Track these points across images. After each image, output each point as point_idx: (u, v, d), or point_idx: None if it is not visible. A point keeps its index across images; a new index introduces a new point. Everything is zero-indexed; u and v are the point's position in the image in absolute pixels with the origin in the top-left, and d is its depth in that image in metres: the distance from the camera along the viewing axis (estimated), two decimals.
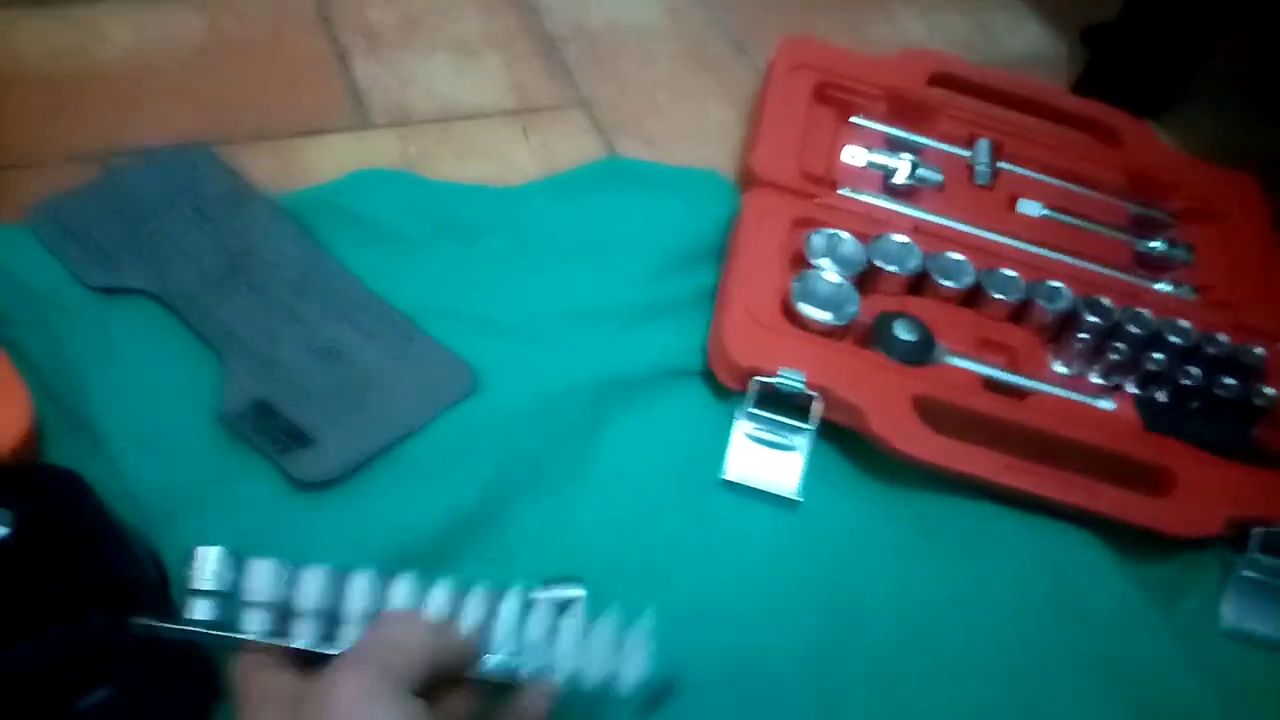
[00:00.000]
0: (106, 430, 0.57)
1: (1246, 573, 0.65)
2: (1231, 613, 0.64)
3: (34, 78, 0.75)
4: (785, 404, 0.65)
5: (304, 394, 0.59)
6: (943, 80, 0.87)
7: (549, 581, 0.56)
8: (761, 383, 0.64)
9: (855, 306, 0.69)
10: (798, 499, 0.63)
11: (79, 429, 0.57)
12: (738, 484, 0.63)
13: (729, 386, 0.66)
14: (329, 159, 0.75)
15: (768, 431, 0.65)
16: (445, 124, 0.80)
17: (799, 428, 0.64)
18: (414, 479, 0.58)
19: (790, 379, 0.64)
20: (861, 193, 0.78)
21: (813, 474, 0.64)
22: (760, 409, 0.65)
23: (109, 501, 0.52)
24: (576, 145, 0.81)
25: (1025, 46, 1.05)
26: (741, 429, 0.65)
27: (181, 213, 0.67)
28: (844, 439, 0.66)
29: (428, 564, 0.56)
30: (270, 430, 0.57)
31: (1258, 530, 0.65)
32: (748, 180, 0.77)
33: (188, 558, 0.48)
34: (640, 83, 0.88)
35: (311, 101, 0.79)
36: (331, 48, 0.83)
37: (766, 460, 0.64)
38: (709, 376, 0.67)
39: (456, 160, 0.77)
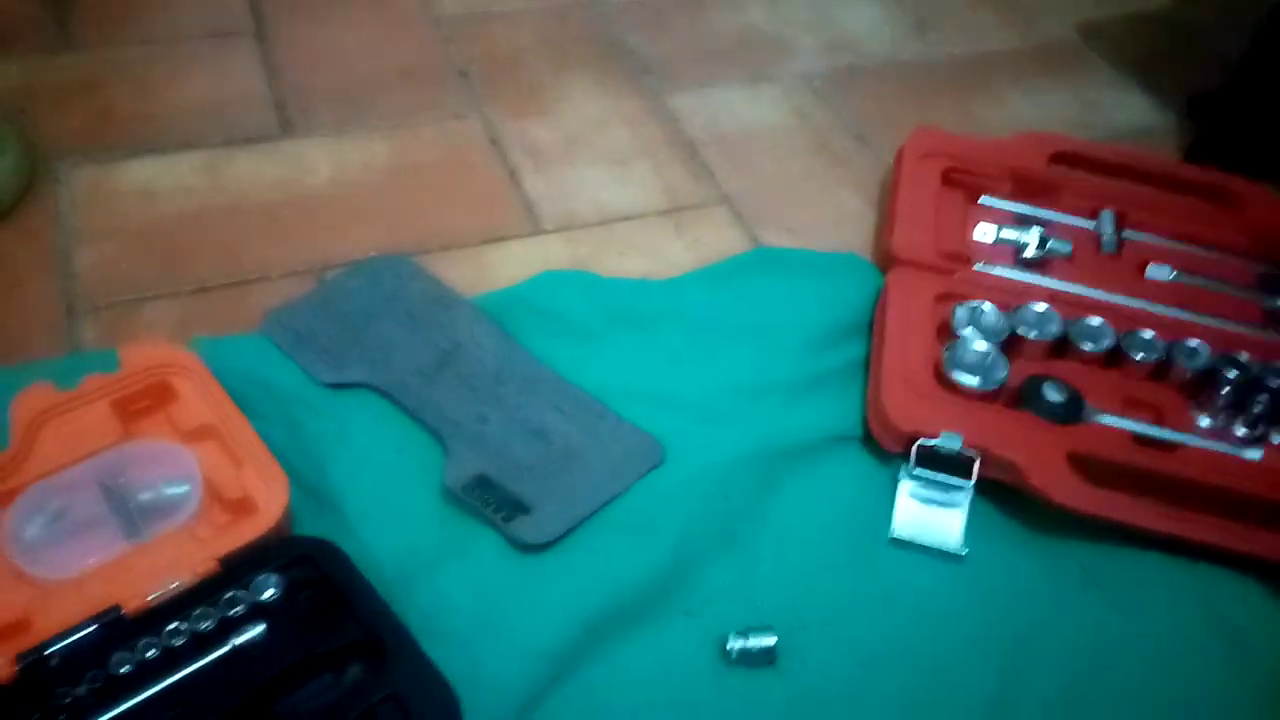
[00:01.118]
0: (346, 506, 0.66)
1: None
2: None
3: (255, 205, 0.87)
4: (945, 464, 0.70)
5: (517, 468, 0.67)
6: (1062, 158, 0.93)
7: (745, 630, 0.62)
8: (922, 445, 0.70)
9: (1004, 371, 0.74)
10: (962, 553, 0.68)
11: (322, 506, 0.66)
12: (905, 540, 0.68)
13: (890, 450, 0.71)
14: (511, 263, 0.84)
15: (930, 490, 0.70)
16: (606, 226, 0.89)
17: (960, 486, 0.69)
18: (616, 541, 0.65)
19: (949, 441, 0.69)
20: (995, 266, 0.83)
21: (975, 529, 0.69)
22: (922, 469, 0.70)
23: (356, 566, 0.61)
24: (723, 237, 0.89)
25: (1132, 120, 1.10)
26: (905, 489, 0.70)
27: (392, 315, 0.77)
28: (1003, 495, 0.71)
29: (634, 616, 0.62)
30: (492, 500, 0.64)
31: None
32: (888, 260, 0.83)
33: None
34: (775, 178, 0.96)
35: (490, 214, 0.89)
36: (503, 166, 0.93)
37: (931, 517, 0.69)
38: (869, 442, 0.73)
39: (619, 257, 0.86)
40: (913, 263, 0.82)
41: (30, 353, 0.74)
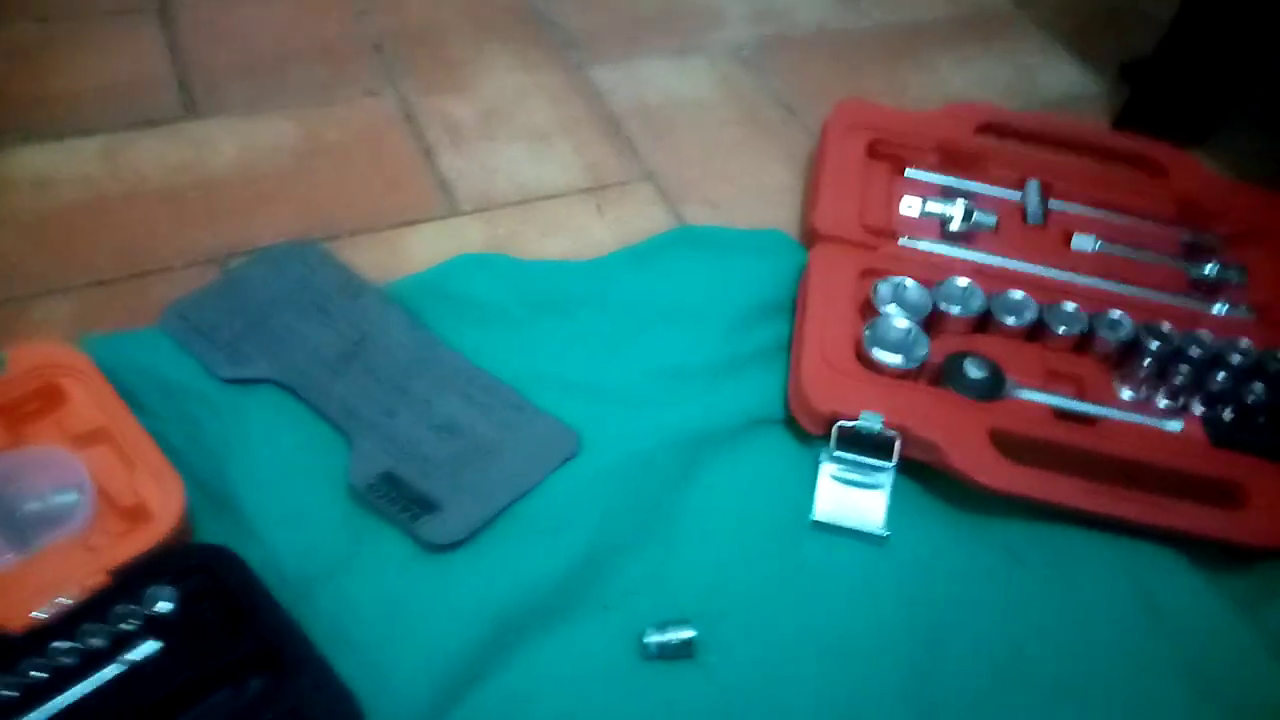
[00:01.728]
0: (247, 508, 0.63)
1: None
2: None
3: (156, 192, 0.83)
4: (866, 445, 0.69)
5: (426, 464, 0.64)
6: (989, 129, 0.91)
7: (663, 624, 0.61)
8: (842, 426, 0.68)
9: (925, 349, 0.73)
10: (885, 534, 0.67)
11: (222, 509, 0.63)
12: (827, 523, 0.67)
13: (811, 431, 0.70)
14: (425, 246, 0.81)
15: (851, 472, 0.69)
16: (526, 206, 0.86)
17: (881, 466, 0.68)
18: (530, 537, 0.63)
19: (869, 421, 0.68)
20: (920, 241, 0.82)
21: (898, 510, 0.68)
22: (843, 451, 0.69)
23: (256, 573, 0.58)
24: (647, 216, 0.87)
25: (1065, 87, 1.09)
26: (827, 471, 0.69)
27: (299, 306, 0.74)
28: (925, 475, 0.70)
29: (549, 614, 0.61)
30: (398, 499, 0.62)
31: None
32: (812, 236, 0.81)
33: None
34: (700, 152, 0.94)
35: (404, 195, 0.86)
36: (418, 145, 0.90)
37: (852, 499, 0.68)
38: (791, 424, 0.72)
39: (539, 238, 0.83)
40: (836, 238, 0.80)
41: None
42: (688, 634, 0.60)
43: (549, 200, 0.87)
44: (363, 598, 0.60)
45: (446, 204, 0.86)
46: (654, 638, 0.60)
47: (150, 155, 0.86)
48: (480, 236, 0.83)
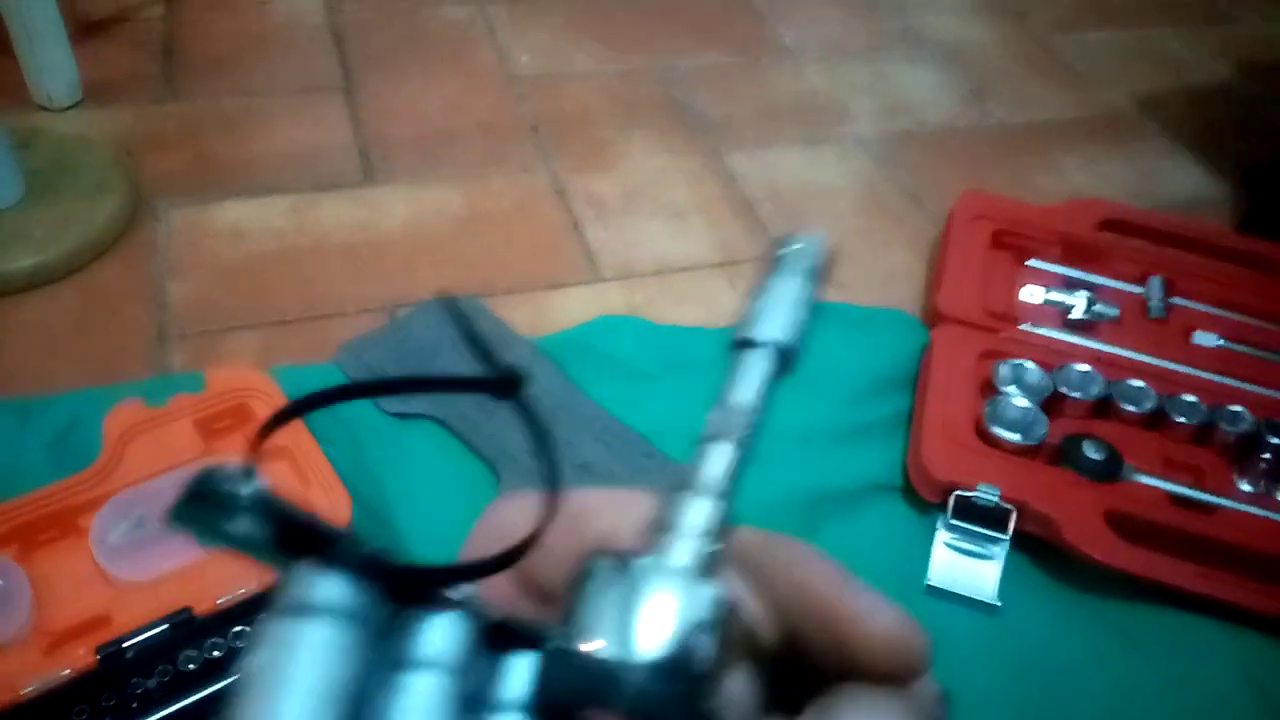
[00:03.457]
0: (402, 527, 0.70)
1: None
2: None
3: (335, 246, 0.93)
4: (982, 516, 0.71)
5: None
6: (1112, 224, 0.94)
7: None
8: (960, 496, 0.71)
9: (1044, 428, 0.75)
10: (996, 604, 0.69)
11: (380, 526, 0.70)
12: (940, 589, 0.70)
13: (929, 500, 0.73)
14: (570, 308, 0.89)
15: (966, 541, 0.71)
16: (663, 276, 0.93)
17: (996, 538, 0.71)
18: None
19: (986, 493, 0.71)
20: (1041, 327, 0.85)
21: (1010, 581, 0.70)
22: (959, 520, 0.71)
23: None
24: None
25: (1188, 191, 1.12)
26: (942, 539, 0.72)
27: (452, 353, 0.81)
28: (1039, 550, 0.72)
29: None
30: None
31: None
32: (935, 317, 0.85)
33: None
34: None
35: (552, 261, 0.94)
36: (567, 216, 0.98)
37: (966, 568, 0.71)
38: (909, 492, 0.75)
39: (674, 306, 0.90)
40: (958, 320, 0.84)
41: (123, 375, 0.80)
42: None
43: (684, 272, 0.94)
44: None
45: (591, 271, 0.93)
46: None
47: (332, 214, 0.96)
48: (620, 301, 0.90)
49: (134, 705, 0.57)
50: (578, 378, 0.80)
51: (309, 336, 0.84)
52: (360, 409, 0.77)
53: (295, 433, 0.71)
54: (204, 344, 0.83)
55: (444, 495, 0.72)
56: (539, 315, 0.88)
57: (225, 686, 0.58)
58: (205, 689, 0.58)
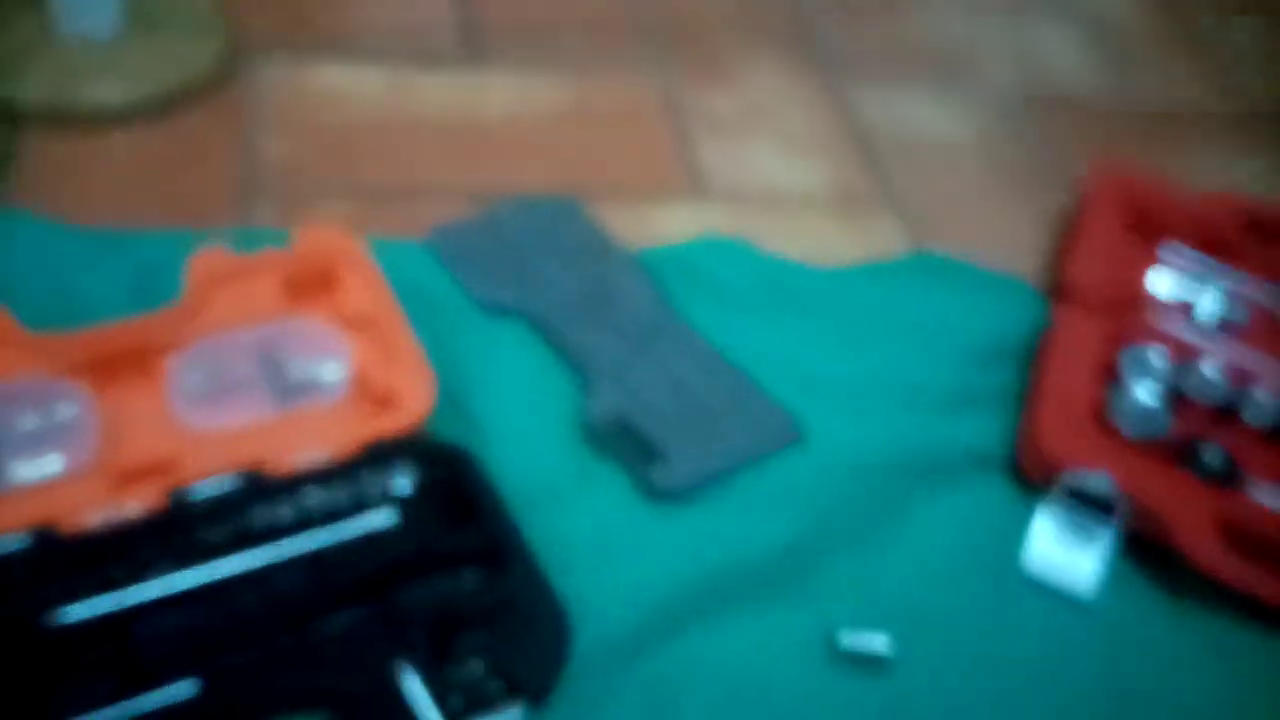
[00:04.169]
0: (481, 421, 0.66)
1: None
2: None
3: (432, 125, 0.88)
4: (1090, 505, 0.67)
5: (656, 418, 0.66)
6: (1257, 224, 0.88)
7: (859, 629, 0.60)
8: (1070, 480, 0.67)
9: (1164, 425, 0.70)
10: (1092, 598, 0.65)
11: (459, 416, 0.66)
12: (1035, 575, 0.66)
13: (1035, 480, 0.69)
14: (669, 223, 0.84)
15: (1070, 529, 0.67)
16: (770, 205, 0.88)
17: (1101, 529, 0.67)
18: (745, 511, 0.64)
19: (1098, 482, 0.66)
20: (1168, 319, 0.80)
21: (1110, 578, 0.66)
22: (1066, 505, 0.67)
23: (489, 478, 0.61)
24: (887, 238, 0.87)
25: None
26: (1044, 523, 0.67)
27: (551, 251, 0.77)
28: (1143, 551, 0.67)
29: (749, 588, 0.61)
30: (630, 443, 0.64)
31: None
32: (1060, 294, 0.80)
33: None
34: (947, 190, 0.94)
35: (656, 172, 0.89)
36: (674, 127, 0.93)
37: (1066, 556, 0.66)
38: (1012, 470, 0.70)
39: (780, 238, 0.84)
40: (1084, 300, 0.79)
41: (206, 223, 0.76)
42: (883, 644, 0.60)
43: (793, 204, 0.89)
44: (578, 528, 0.61)
45: (695, 188, 0.88)
46: (848, 639, 0.60)
47: (431, 91, 0.92)
48: (723, 224, 0.85)
49: (202, 555, 0.54)
50: (673, 296, 0.76)
51: (399, 214, 0.80)
52: (449, 293, 0.73)
53: (383, 303, 0.67)
54: (291, 205, 0.79)
55: (527, 394, 0.68)
56: (637, 227, 0.83)
57: (293, 551, 0.55)
58: (272, 548, 0.55)
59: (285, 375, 0.64)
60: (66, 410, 0.59)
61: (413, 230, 0.78)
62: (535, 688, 0.52)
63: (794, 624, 0.61)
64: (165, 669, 0.51)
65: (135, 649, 0.51)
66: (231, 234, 0.72)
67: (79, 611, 0.51)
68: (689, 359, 0.71)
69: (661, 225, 0.84)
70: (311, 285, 0.68)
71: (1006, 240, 0.90)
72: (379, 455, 0.60)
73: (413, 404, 0.62)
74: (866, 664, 0.60)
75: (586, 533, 0.61)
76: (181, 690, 0.49)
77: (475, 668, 0.52)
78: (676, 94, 0.96)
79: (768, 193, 0.89)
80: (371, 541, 0.57)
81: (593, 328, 0.72)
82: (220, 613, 0.53)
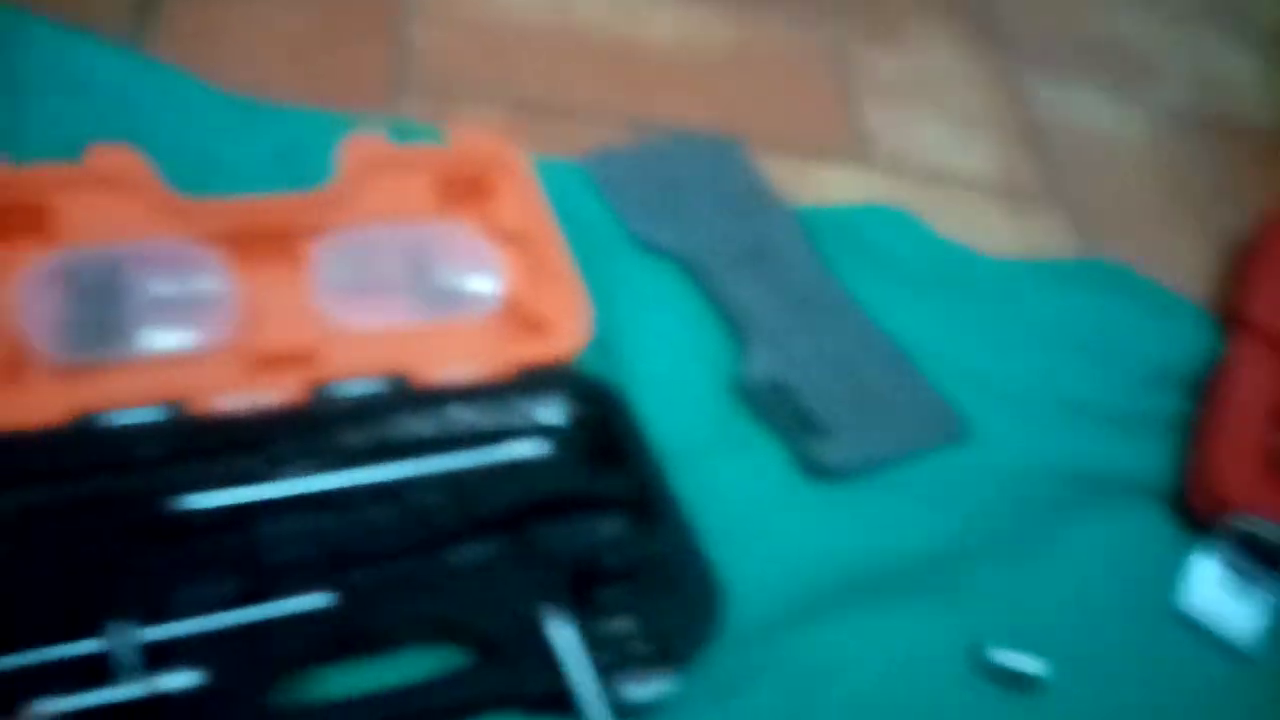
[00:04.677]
0: (629, 363, 0.61)
1: None
2: None
3: (593, 44, 0.83)
4: (1259, 553, 0.62)
5: (816, 390, 0.61)
6: None
7: (1010, 647, 0.56)
8: (1240, 523, 0.62)
9: None
10: (1255, 653, 0.60)
11: (607, 356, 0.61)
12: (1192, 618, 0.61)
13: (1201, 517, 0.64)
14: (830, 185, 0.79)
15: (1234, 575, 0.62)
16: (935, 183, 0.82)
17: (1270, 581, 0.62)
18: (903, 503, 0.59)
19: (1272, 532, 0.61)
20: None
21: (1272, 632, 0.61)
22: (1233, 551, 0.62)
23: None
24: (1053, 237, 0.82)
25: None
26: (1207, 564, 0.63)
27: (712, 195, 0.72)
28: None
29: (896, 583, 0.57)
30: (787, 411, 0.60)
31: None
32: (1238, 325, 0.75)
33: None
34: (1120, 198, 0.88)
35: (820, 130, 0.83)
36: (841, 86, 0.87)
37: (1228, 604, 0.62)
38: (1172, 501, 0.65)
39: (942, 219, 0.79)
40: (1265, 335, 0.73)
41: (351, 107, 0.71)
42: (1036, 667, 0.55)
43: (958, 186, 0.83)
44: (725, 493, 0.57)
45: (859, 153, 0.83)
46: (999, 656, 0.55)
47: (593, 8, 0.86)
48: (882, 194, 0.80)
49: (339, 459, 0.50)
50: (832, 261, 0.71)
51: (552, 130, 0.75)
52: (603, 222, 0.68)
53: (539, 219, 0.62)
54: (443, 103, 0.74)
55: (681, 346, 0.63)
56: (793, 182, 0.77)
57: (434, 468, 0.51)
58: (413, 464, 0.51)
59: (432, 282, 0.59)
60: (206, 281, 0.54)
61: (564, 150, 0.73)
62: (685, 655, 0.48)
63: (939, 628, 0.56)
64: (290, 575, 0.47)
65: (261, 549, 0.47)
66: (386, 122, 0.67)
67: (205, 500, 0.47)
68: (851, 333, 0.66)
69: (818, 185, 0.78)
70: (465, 190, 0.64)
71: (1174, 257, 0.84)
72: (530, 382, 0.55)
73: (567, 333, 0.58)
74: (1011, 682, 0.55)
75: (734, 499, 0.57)
76: (313, 602, 0.45)
77: (623, 625, 0.48)
78: (845, 50, 0.90)
79: (931, 168, 0.84)
80: (516, 471, 0.52)
81: (751, 283, 0.67)
82: (353, 523, 0.49)
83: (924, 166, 0.83)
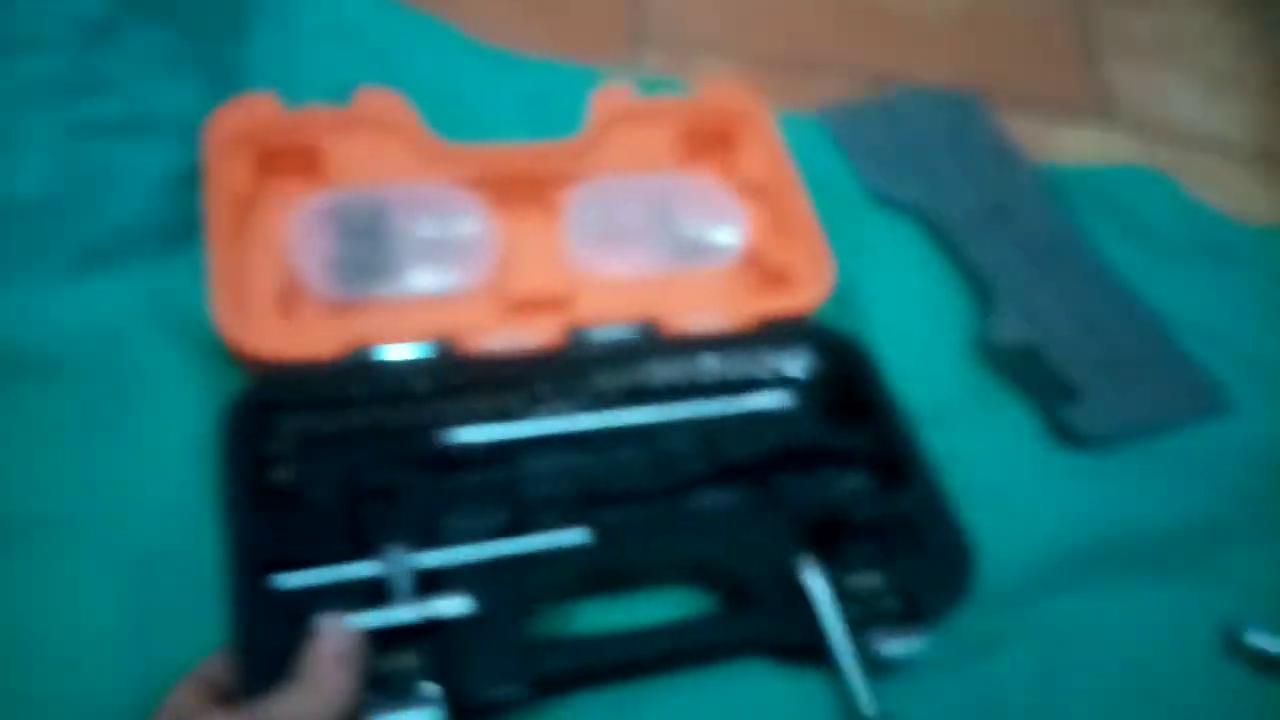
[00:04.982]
0: (870, 318, 0.60)
1: None
2: None
3: (829, 0, 0.81)
4: None
5: (1066, 353, 0.59)
6: None
7: (1261, 628, 0.52)
8: None
9: None
10: None
11: (846, 312, 0.60)
12: None
13: None
14: (1073, 146, 0.75)
15: None
16: (1184, 146, 0.77)
17: None
18: (1153, 473, 0.57)
19: None
20: None
21: None
22: None
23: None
24: None
25: None
26: None
27: (953, 151, 0.70)
28: None
29: (1149, 555, 0.54)
30: (1038, 374, 0.57)
31: None
32: None
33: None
34: None
35: (1060, 87, 0.79)
36: (1084, 42, 0.83)
37: None
38: None
39: (1193, 185, 0.74)
40: None
41: (591, 60, 0.72)
42: None
43: (1209, 149, 0.78)
44: (972, 454, 0.55)
45: (1102, 110, 0.78)
46: (1258, 639, 0.52)
47: None
48: (1130, 155, 0.76)
49: (594, 401, 0.51)
50: (1081, 222, 0.67)
51: (788, 84, 0.74)
52: (841, 178, 0.67)
53: (782, 172, 0.62)
54: (679, 57, 0.74)
55: (923, 304, 0.62)
56: (1036, 141, 0.74)
57: (685, 416, 0.52)
58: (664, 410, 0.52)
59: (677, 232, 0.59)
60: (467, 225, 0.56)
61: (801, 104, 0.72)
62: (934, 614, 0.47)
63: (1192, 605, 0.53)
64: (547, 510, 0.48)
65: (521, 484, 0.49)
66: (630, 74, 0.68)
67: (473, 435, 0.49)
68: (1100, 296, 0.63)
69: (1062, 144, 0.75)
70: (708, 142, 0.64)
71: None
72: (775, 333, 0.55)
73: (809, 286, 0.57)
74: (1266, 667, 0.52)
75: (981, 460, 0.55)
76: (572, 538, 0.47)
77: (871, 580, 0.47)
78: (1090, 6, 0.85)
79: (1182, 131, 0.78)
80: (763, 421, 0.53)
81: (996, 242, 0.64)
82: (605, 463, 0.50)
83: (1173, 129, 0.78)
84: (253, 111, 0.56)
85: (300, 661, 0.39)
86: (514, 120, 0.65)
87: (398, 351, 0.51)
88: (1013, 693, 0.49)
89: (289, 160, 0.57)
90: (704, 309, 0.55)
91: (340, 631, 0.40)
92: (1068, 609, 0.52)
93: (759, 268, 0.59)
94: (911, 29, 0.80)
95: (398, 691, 0.41)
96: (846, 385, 0.55)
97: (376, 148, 0.58)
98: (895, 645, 0.46)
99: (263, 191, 0.56)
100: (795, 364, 0.55)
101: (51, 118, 0.58)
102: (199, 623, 0.43)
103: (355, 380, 0.50)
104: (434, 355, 0.51)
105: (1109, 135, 0.76)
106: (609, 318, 0.54)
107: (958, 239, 0.64)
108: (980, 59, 0.79)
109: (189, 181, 0.55)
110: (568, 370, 0.52)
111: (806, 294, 0.57)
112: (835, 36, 0.78)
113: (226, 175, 0.54)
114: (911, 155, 0.69)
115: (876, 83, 0.75)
